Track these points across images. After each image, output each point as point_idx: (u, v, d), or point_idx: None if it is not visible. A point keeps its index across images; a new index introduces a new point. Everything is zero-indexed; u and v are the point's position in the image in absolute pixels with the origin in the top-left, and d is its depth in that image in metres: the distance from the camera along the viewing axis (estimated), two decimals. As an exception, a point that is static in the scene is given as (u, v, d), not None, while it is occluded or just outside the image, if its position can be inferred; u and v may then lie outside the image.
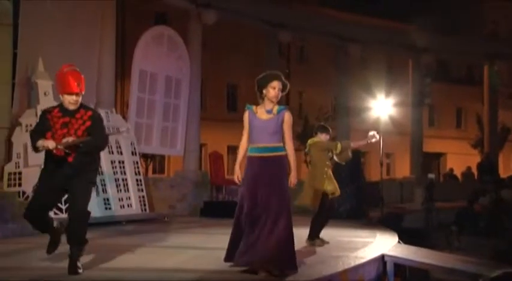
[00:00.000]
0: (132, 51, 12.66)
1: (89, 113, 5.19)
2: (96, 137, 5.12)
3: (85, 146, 5.04)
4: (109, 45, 12.65)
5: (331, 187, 7.28)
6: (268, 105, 5.16)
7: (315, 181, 7.22)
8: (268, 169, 5.02)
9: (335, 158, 7.44)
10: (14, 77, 10.12)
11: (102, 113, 10.67)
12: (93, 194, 5.32)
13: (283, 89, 5.21)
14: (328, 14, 21.28)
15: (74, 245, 5.00)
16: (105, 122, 10.39)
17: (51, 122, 5.11)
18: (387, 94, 16.01)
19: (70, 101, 5.12)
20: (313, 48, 24.92)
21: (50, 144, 4.96)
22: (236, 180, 5.21)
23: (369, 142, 7.29)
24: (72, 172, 5.05)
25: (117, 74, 14.33)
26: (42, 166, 5.33)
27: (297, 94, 24.63)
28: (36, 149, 5.08)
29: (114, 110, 11.67)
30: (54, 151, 4.99)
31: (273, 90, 5.12)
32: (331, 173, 7.37)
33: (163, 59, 13.12)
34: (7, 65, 10.02)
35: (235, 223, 5.16)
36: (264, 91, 5.14)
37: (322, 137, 7.40)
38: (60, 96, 5.18)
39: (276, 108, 5.16)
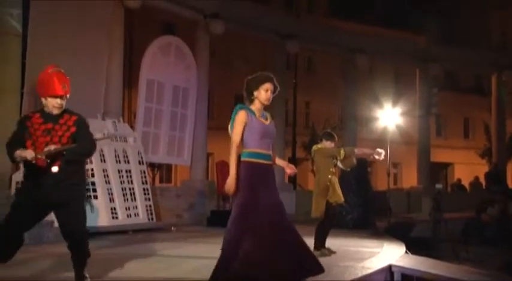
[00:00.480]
0: (140, 61, 12.74)
1: (74, 117, 4.76)
2: (83, 144, 4.70)
3: (70, 154, 4.60)
4: (117, 55, 12.73)
5: (334, 194, 7.25)
6: (260, 109, 4.84)
7: (319, 187, 7.22)
8: (272, 178, 4.81)
9: (339, 164, 7.42)
10: (22, 87, 10.20)
11: (109, 122, 10.79)
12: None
13: (273, 91, 4.93)
14: (336, 25, 21.35)
15: (78, 261, 4.78)
16: (112, 132, 10.59)
17: (31, 129, 4.65)
18: (394, 104, 16.00)
19: (54, 104, 4.69)
20: (321, 59, 24.95)
21: (28, 154, 4.49)
22: (230, 193, 4.69)
23: (374, 155, 7.18)
24: (56, 184, 4.60)
25: (124, 83, 14.40)
26: (22, 179, 4.84)
27: (304, 104, 24.64)
28: (13, 161, 4.65)
29: (121, 119, 11.72)
30: (34, 162, 4.51)
31: (266, 93, 4.81)
32: (336, 180, 7.35)
33: (170, 69, 13.19)
34: (16, 74, 10.11)
35: (234, 237, 4.62)
36: (255, 93, 4.83)
37: (327, 144, 7.37)
38: (43, 99, 4.74)
39: (267, 113, 4.91)
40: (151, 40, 13.12)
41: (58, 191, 4.59)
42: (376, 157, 7.15)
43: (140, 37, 17.39)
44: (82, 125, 4.76)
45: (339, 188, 7.36)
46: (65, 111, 4.76)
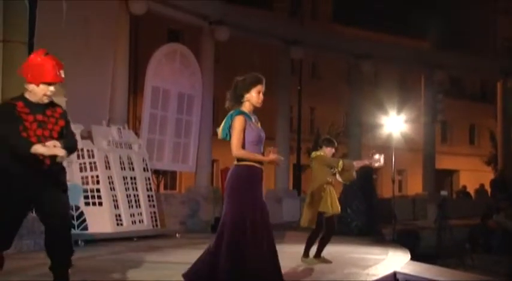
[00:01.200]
0: (145, 68, 12.78)
1: (59, 110, 4.32)
2: (72, 139, 4.34)
3: (68, 150, 4.20)
4: (122, 62, 12.78)
5: (328, 204, 6.95)
6: (250, 112, 4.63)
7: (312, 197, 6.98)
8: (262, 182, 4.67)
9: (338, 177, 7.18)
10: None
11: (114, 129, 10.81)
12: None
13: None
14: (340, 31, 21.38)
15: (66, 258, 4.28)
16: (117, 138, 10.62)
17: (23, 120, 4.13)
18: (399, 110, 15.98)
19: (46, 92, 4.18)
20: (325, 64, 24.98)
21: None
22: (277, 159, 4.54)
23: (373, 164, 6.92)
24: (49, 181, 4.21)
25: (129, 90, 14.45)
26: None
27: (308, 110, 24.64)
28: (25, 155, 4.04)
29: (126, 126, 11.74)
30: (46, 159, 4.08)
31: (258, 95, 4.60)
32: (332, 190, 7.08)
33: (176, 76, 13.23)
34: (22, 82, 10.13)
35: (236, 242, 4.40)
36: (247, 95, 4.61)
37: (327, 150, 7.15)
38: (31, 86, 4.22)
39: (256, 116, 4.70)
40: (157, 47, 13.17)
41: (47, 189, 4.22)
42: (376, 164, 6.89)
43: (145, 44, 17.44)
44: (68, 119, 4.37)
45: (335, 198, 7.11)
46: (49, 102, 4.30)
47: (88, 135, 10.18)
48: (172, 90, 13.13)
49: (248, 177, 4.54)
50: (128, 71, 13.27)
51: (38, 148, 4.02)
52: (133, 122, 18.62)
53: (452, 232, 13.13)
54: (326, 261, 7.04)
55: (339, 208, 7.15)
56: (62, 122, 4.27)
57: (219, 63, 17.05)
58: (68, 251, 4.28)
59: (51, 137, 4.15)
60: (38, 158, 4.09)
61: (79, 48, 11.22)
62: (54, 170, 4.25)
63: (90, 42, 11.55)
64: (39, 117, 4.16)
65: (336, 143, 7.28)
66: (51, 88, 4.19)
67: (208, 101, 14.56)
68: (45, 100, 4.21)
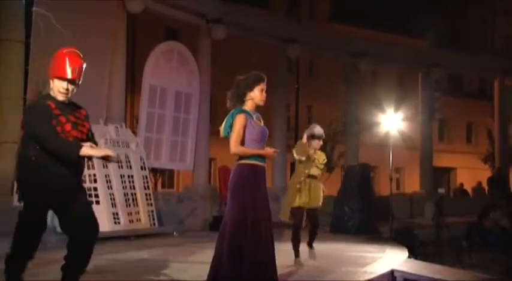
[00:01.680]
0: (143, 67, 12.77)
1: (83, 112, 4.30)
2: (95, 142, 4.29)
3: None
4: (120, 61, 12.76)
5: (301, 199, 6.67)
6: (253, 110, 4.69)
7: (289, 189, 6.85)
8: (265, 179, 4.73)
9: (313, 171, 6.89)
10: (25, 93, 10.23)
11: (112, 127, 10.80)
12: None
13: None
14: (338, 29, 21.37)
15: (79, 263, 4.18)
16: (114, 137, 10.59)
17: (61, 123, 4.06)
18: (397, 108, 15.99)
19: (59, 89, 4.12)
20: (323, 63, 24.98)
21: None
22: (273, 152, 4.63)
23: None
24: (80, 183, 4.25)
25: (127, 88, 14.43)
26: (33, 179, 4.06)
27: (306, 109, 24.64)
28: (74, 157, 3.94)
29: (124, 124, 11.73)
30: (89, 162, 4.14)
31: (261, 93, 4.65)
32: (314, 184, 6.78)
33: (173, 74, 13.22)
34: (19, 80, 10.14)
35: (235, 240, 4.48)
36: (250, 94, 4.64)
37: (314, 143, 6.89)
38: (51, 82, 4.17)
39: (259, 114, 4.76)
40: (154, 45, 13.16)
41: (76, 193, 4.17)
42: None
43: (143, 42, 17.43)
44: (90, 122, 4.33)
45: (317, 193, 6.79)
46: (71, 102, 4.23)
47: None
48: (170, 88, 13.13)
49: (250, 177, 4.61)
50: (125, 70, 13.26)
51: (87, 150, 3.95)
52: (131, 120, 18.59)
53: (449, 230, 13.16)
54: (313, 256, 6.80)
55: (320, 202, 6.83)
56: (87, 125, 4.24)
57: (216, 62, 17.05)
58: (88, 258, 4.19)
59: (82, 139, 4.09)
60: (76, 160, 4.00)
61: (76, 46, 11.19)
62: (82, 169, 4.23)
63: (88, 40, 11.51)
64: (71, 118, 4.10)
65: (323, 135, 7.01)
66: (64, 85, 4.12)
67: (205, 100, 14.56)
68: (60, 97, 4.13)
